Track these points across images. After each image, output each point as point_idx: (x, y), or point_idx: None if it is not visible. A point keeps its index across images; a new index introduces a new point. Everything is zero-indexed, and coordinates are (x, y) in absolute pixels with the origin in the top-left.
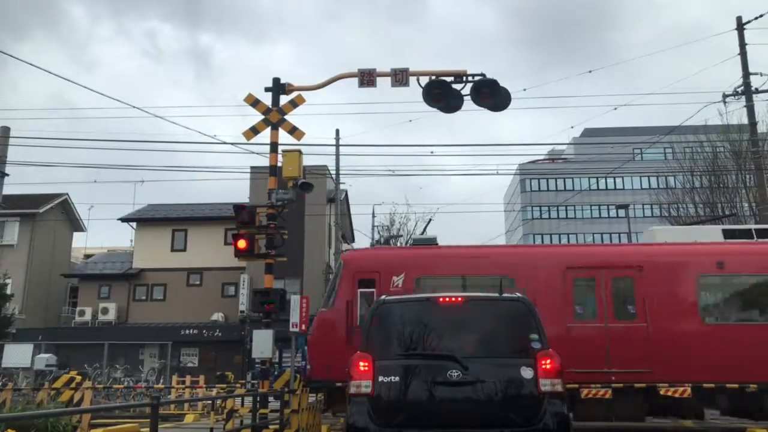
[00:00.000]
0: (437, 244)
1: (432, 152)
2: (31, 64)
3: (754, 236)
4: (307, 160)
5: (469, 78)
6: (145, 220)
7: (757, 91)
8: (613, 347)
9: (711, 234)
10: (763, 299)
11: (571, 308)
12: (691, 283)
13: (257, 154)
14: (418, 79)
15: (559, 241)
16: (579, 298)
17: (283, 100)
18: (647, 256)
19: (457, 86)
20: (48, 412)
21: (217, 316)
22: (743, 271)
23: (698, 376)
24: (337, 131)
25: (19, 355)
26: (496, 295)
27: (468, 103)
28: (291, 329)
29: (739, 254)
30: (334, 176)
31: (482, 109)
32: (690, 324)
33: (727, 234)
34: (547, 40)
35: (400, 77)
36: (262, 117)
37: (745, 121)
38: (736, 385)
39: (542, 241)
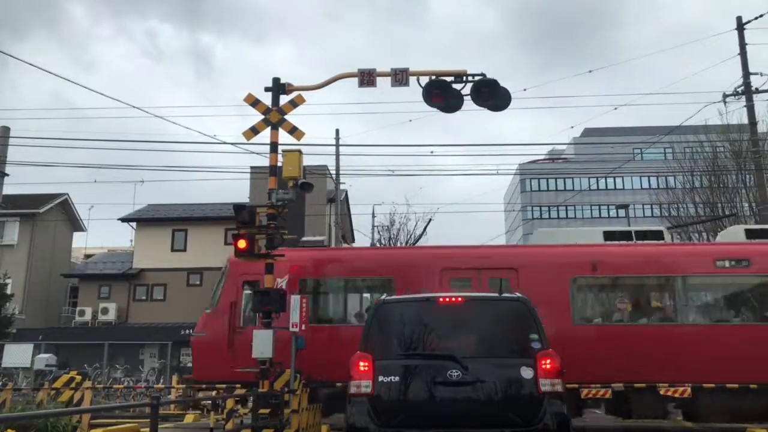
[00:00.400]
0: (324, 246)
1: (432, 152)
2: (31, 64)
3: (634, 238)
4: (307, 160)
5: (469, 78)
6: (145, 220)
7: (757, 91)
8: None
9: (592, 236)
10: (634, 301)
11: None
12: (565, 285)
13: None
14: (418, 79)
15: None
16: None
17: (283, 100)
18: (523, 257)
19: (457, 86)
20: (48, 412)
21: None
22: (616, 273)
23: (568, 376)
24: (337, 131)
25: (19, 355)
26: (496, 295)
27: (468, 103)
28: (291, 329)
29: (612, 256)
30: (334, 176)
31: (482, 109)
32: (562, 325)
33: (608, 236)
34: (548, 40)
35: (400, 77)
36: (262, 117)
37: (745, 121)
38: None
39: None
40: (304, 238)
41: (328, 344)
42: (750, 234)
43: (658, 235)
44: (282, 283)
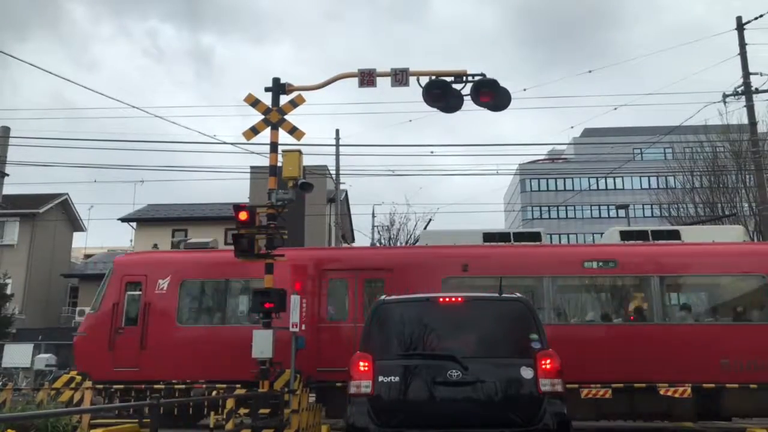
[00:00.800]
0: (209, 248)
1: (432, 152)
2: (31, 64)
3: (512, 240)
4: (307, 160)
5: (469, 78)
6: (145, 220)
7: (757, 91)
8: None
9: (472, 237)
10: None
11: (325, 309)
12: (437, 285)
13: (257, 154)
14: (418, 79)
15: (559, 242)
16: (333, 299)
17: (283, 100)
18: (397, 258)
19: (457, 86)
20: (48, 412)
21: None
22: (486, 273)
23: None
24: (337, 131)
25: (19, 355)
26: (496, 295)
27: (468, 103)
28: (291, 329)
29: (483, 257)
30: (334, 176)
31: (482, 109)
32: None
33: (487, 237)
34: (548, 40)
35: (400, 77)
36: (262, 117)
37: (745, 121)
38: None
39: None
40: (189, 240)
41: (207, 344)
42: (624, 236)
43: (535, 237)
44: (164, 284)
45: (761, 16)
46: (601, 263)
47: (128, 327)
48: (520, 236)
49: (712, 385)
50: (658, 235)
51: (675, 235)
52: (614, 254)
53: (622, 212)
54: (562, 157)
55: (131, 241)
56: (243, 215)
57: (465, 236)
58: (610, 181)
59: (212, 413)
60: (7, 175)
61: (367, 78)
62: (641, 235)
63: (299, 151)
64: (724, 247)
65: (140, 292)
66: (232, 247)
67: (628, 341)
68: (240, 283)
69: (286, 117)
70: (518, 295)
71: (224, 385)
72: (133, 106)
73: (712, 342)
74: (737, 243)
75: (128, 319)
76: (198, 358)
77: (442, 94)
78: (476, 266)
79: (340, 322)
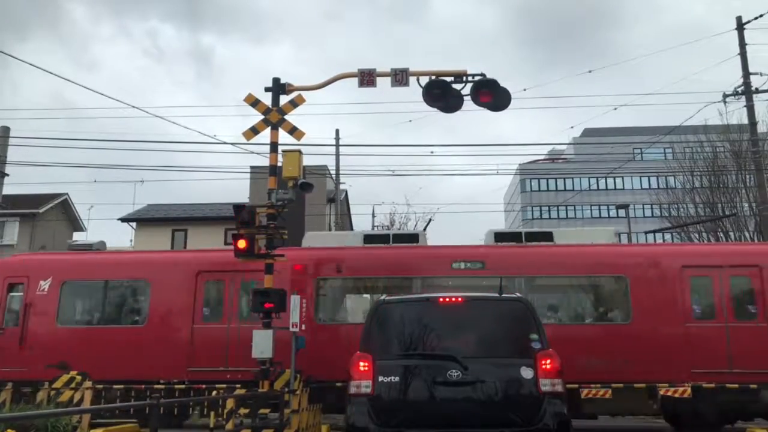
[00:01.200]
0: (94, 250)
1: (432, 152)
2: (31, 64)
3: (390, 241)
4: (307, 160)
5: (469, 78)
6: (144, 220)
7: (757, 91)
8: (241, 347)
9: (354, 239)
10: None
11: (200, 310)
12: (311, 286)
13: (257, 154)
14: (418, 79)
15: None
16: (208, 300)
17: (283, 100)
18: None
19: (457, 86)
20: (48, 412)
21: None
22: (359, 275)
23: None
24: (337, 131)
25: None
26: (496, 295)
27: (468, 103)
28: (291, 329)
29: (356, 258)
30: (334, 176)
31: (482, 109)
32: (307, 324)
33: (367, 239)
34: (548, 40)
35: (400, 77)
36: (262, 117)
37: (745, 121)
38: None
39: None
40: (73, 242)
41: (86, 344)
42: (498, 237)
43: (413, 238)
44: (45, 285)
45: (761, 16)
46: (469, 264)
47: (7, 328)
48: (398, 238)
49: (576, 386)
50: (532, 236)
51: (548, 237)
52: (482, 255)
53: (622, 212)
54: (562, 157)
55: (131, 241)
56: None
57: (345, 238)
58: (610, 181)
59: (212, 413)
60: (7, 175)
61: (367, 78)
62: (515, 237)
63: (299, 151)
64: (589, 249)
65: (21, 293)
66: (113, 250)
67: None
68: (120, 284)
69: (286, 117)
70: (518, 295)
71: (101, 386)
72: (133, 106)
73: (577, 342)
74: (603, 245)
75: (10, 320)
76: (78, 358)
77: (442, 94)
78: (350, 267)
79: (215, 323)
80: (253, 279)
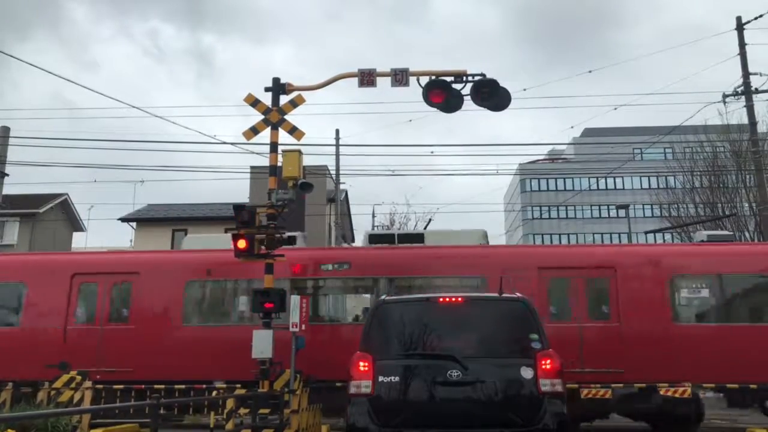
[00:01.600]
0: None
1: (432, 152)
2: (31, 64)
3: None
4: (307, 160)
5: (469, 78)
6: (144, 220)
7: (757, 91)
8: (112, 347)
9: (228, 242)
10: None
11: (73, 313)
12: (179, 288)
13: (257, 154)
14: (418, 79)
15: (560, 242)
16: (82, 302)
17: (283, 100)
18: (145, 262)
19: (457, 86)
20: (48, 412)
21: None
22: (226, 277)
23: (174, 373)
24: (337, 131)
25: None
26: (496, 295)
27: (468, 103)
28: (291, 329)
29: (224, 262)
30: (334, 176)
31: (482, 109)
32: (176, 324)
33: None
34: (548, 40)
35: (400, 77)
36: (262, 117)
37: (745, 121)
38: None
39: (542, 242)
40: None
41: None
42: (372, 239)
43: (292, 241)
44: None
45: (761, 16)
46: (336, 265)
47: None
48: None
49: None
50: (404, 238)
51: (419, 238)
52: (348, 256)
53: (622, 212)
54: (562, 157)
55: (131, 241)
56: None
57: (220, 241)
58: (610, 181)
59: (212, 413)
60: (7, 175)
61: (367, 78)
62: (389, 239)
63: (299, 151)
64: (452, 250)
65: None
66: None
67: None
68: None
69: (286, 117)
70: (519, 295)
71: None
72: (134, 106)
73: None
74: (466, 247)
75: None
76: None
77: (442, 94)
78: (219, 270)
79: (87, 324)
80: (124, 281)
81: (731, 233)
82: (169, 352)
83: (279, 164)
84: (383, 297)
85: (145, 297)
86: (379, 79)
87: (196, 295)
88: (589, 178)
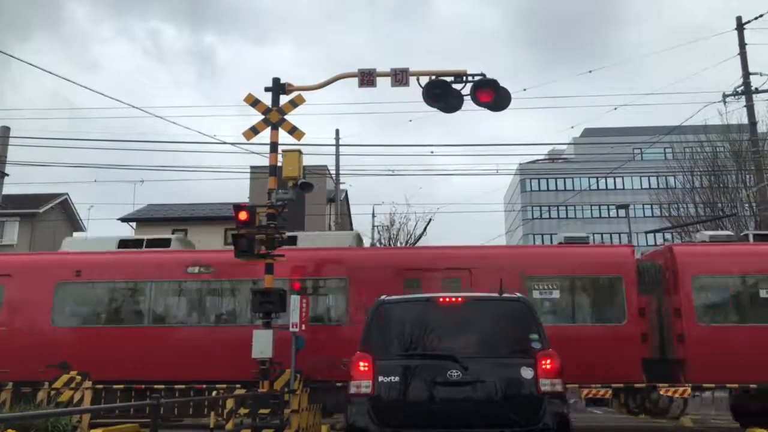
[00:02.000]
0: None
1: (432, 152)
2: (31, 65)
3: (144, 246)
4: (307, 160)
5: (469, 78)
6: (145, 220)
7: (757, 91)
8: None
9: (109, 244)
10: (119, 305)
11: None
12: (50, 289)
13: (257, 154)
14: (418, 79)
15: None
16: None
17: (283, 100)
18: (17, 264)
19: (457, 86)
20: (48, 412)
21: None
22: (96, 279)
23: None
24: (337, 131)
25: None
26: (496, 295)
27: (468, 103)
28: (291, 329)
29: (93, 264)
30: (334, 176)
31: (482, 109)
32: (41, 326)
33: (122, 244)
34: (548, 40)
35: (400, 77)
36: (262, 117)
37: (745, 121)
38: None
39: (542, 242)
40: None
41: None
42: (290, 241)
43: (165, 243)
44: None
45: (761, 16)
46: (202, 269)
47: None
48: (152, 243)
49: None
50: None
51: (292, 240)
52: (210, 260)
53: (622, 212)
54: (562, 157)
55: None
56: (243, 215)
57: (99, 243)
58: (610, 181)
59: (212, 413)
60: (7, 175)
61: (367, 78)
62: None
63: (299, 151)
64: (311, 253)
65: None
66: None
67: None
68: None
69: (286, 117)
70: (519, 295)
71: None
72: (134, 106)
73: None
74: (331, 248)
75: None
76: None
77: (442, 94)
78: (88, 272)
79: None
80: (4, 285)
81: (731, 233)
82: (39, 353)
83: (279, 164)
84: (383, 297)
85: (16, 299)
86: (379, 79)
87: (67, 297)
88: (589, 178)
